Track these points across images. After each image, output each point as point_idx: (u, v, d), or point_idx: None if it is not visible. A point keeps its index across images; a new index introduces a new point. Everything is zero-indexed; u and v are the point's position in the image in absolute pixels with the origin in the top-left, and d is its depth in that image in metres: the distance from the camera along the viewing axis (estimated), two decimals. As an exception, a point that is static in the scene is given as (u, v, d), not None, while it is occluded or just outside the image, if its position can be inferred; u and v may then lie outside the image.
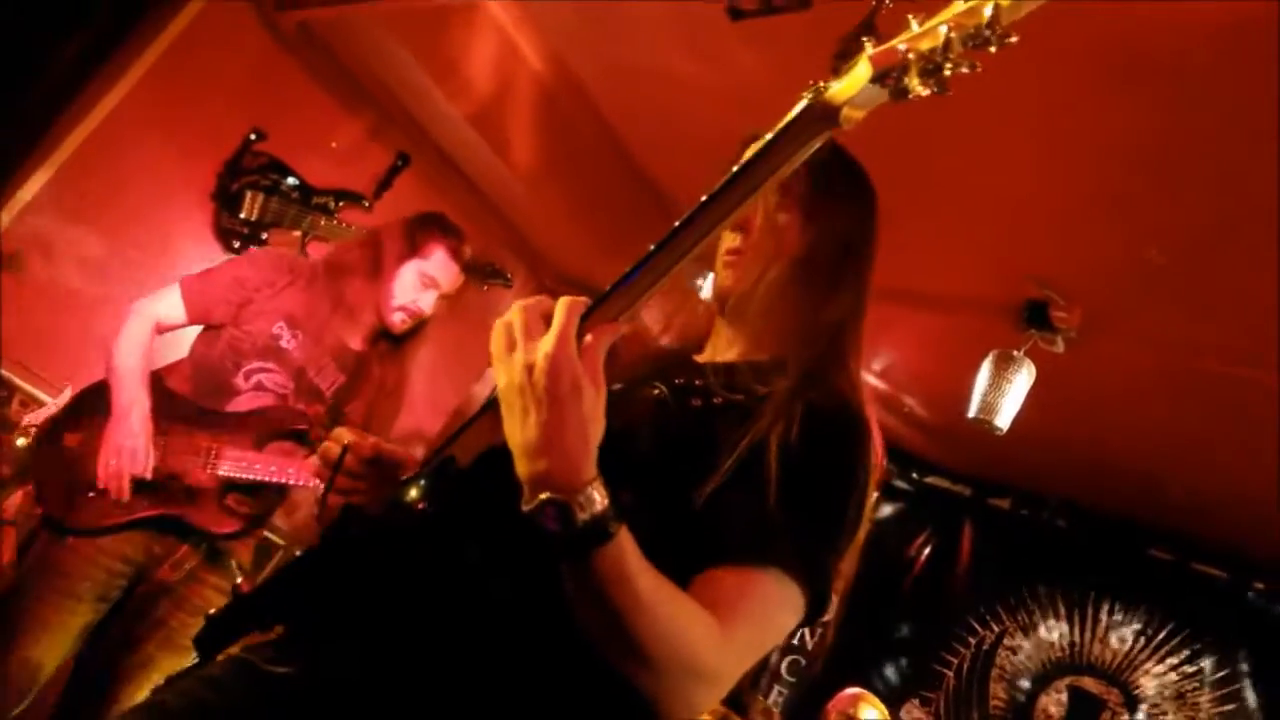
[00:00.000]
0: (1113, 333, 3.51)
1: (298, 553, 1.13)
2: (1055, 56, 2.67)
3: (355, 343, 2.54)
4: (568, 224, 4.42)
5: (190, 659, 2.39)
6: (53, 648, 2.19)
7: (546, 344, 0.89)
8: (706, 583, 0.98)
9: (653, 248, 0.97)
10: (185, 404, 2.35)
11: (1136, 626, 4.56)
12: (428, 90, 3.76)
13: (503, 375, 0.92)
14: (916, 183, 2.66)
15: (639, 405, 1.14)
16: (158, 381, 2.36)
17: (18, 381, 3.20)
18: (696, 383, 1.17)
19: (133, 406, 2.23)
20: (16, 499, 2.75)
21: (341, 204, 3.91)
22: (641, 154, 4.30)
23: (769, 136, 0.91)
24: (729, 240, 1.32)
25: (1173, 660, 4.41)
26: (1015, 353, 3.49)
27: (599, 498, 0.86)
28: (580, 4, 3.45)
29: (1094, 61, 2.60)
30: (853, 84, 0.85)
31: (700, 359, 1.33)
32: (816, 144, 0.89)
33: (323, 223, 3.81)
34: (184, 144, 3.55)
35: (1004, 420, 3.54)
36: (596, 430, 0.89)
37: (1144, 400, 3.76)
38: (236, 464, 2.30)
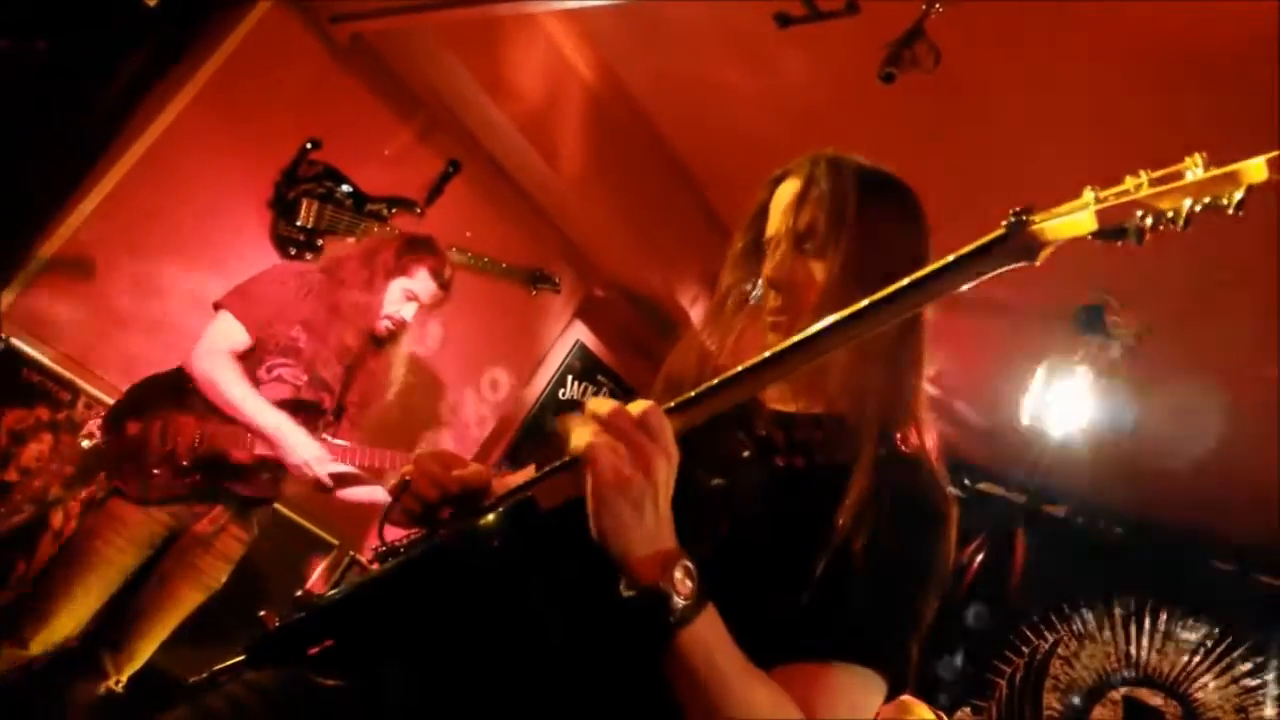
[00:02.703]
0: (1172, 338, 3.44)
1: (367, 568, 1.14)
2: (1113, 58, 2.64)
3: (353, 342, 2.96)
4: (615, 230, 4.44)
5: (207, 596, 2.69)
6: (108, 581, 2.63)
7: (658, 448, 0.90)
8: (795, 677, 0.96)
9: (765, 356, 0.94)
10: (191, 378, 2.75)
11: (1196, 638, 4.46)
12: (479, 99, 3.81)
13: (606, 466, 0.90)
14: (969, 183, 2.64)
15: (727, 453, 1.13)
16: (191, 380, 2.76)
17: (82, 384, 3.29)
18: (778, 438, 1.14)
19: (282, 425, 2.71)
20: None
21: (394, 210, 3.97)
22: (689, 161, 4.31)
23: (951, 259, 0.86)
24: (772, 300, 1.25)
25: (1234, 673, 4.31)
26: (1071, 359, 3.43)
27: (691, 581, 0.89)
28: (629, 14, 3.47)
29: (1151, 63, 2.56)
30: (1069, 230, 0.80)
31: (770, 404, 1.26)
32: (996, 273, 0.85)
33: (376, 229, 3.87)
34: (242, 153, 3.63)
35: (1058, 428, 3.49)
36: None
37: (1203, 408, 3.68)
38: (270, 444, 2.75)
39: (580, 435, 0.91)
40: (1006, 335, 3.98)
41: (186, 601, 2.75)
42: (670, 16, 3.39)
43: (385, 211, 3.94)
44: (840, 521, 1.01)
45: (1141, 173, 0.77)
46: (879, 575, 1.00)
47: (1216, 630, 4.40)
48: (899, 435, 1.13)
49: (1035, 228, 0.82)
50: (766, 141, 3.73)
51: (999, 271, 0.84)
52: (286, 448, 2.71)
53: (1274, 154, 0.73)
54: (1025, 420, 3.52)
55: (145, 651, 2.70)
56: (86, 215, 3.30)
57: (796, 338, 0.92)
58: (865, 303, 0.89)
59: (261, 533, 2.96)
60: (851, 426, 1.11)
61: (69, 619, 2.58)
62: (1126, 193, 0.78)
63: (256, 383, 2.78)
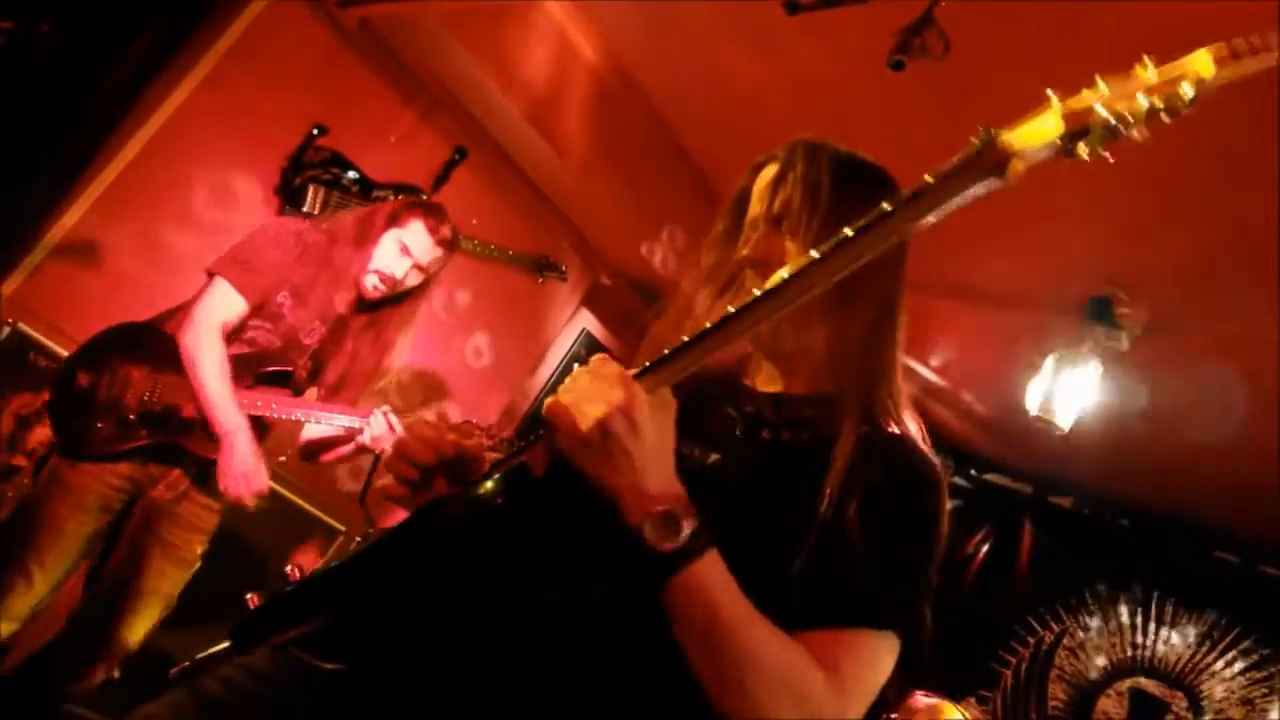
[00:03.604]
0: (1180, 330, 3.42)
1: (355, 543, 1.12)
2: (1126, 49, 2.62)
3: (340, 305, 2.77)
4: (622, 218, 4.43)
5: (189, 573, 2.57)
6: (64, 551, 2.50)
7: (616, 394, 0.93)
8: (810, 645, 0.97)
9: (742, 305, 0.95)
10: (179, 349, 2.59)
11: (1202, 629, 4.45)
12: (485, 85, 3.79)
13: (564, 423, 0.94)
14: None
15: (719, 429, 1.15)
16: (155, 328, 2.64)
17: (90, 371, 3.30)
18: (767, 414, 1.17)
19: (238, 432, 2.51)
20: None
21: (400, 197, 3.96)
22: (697, 149, 4.29)
23: (927, 181, 0.87)
24: (751, 281, 1.24)
25: (1240, 664, 4.30)
26: (1080, 350, 3.41)
27: (687, 523, 0.92)
28: (636, 0, 3.45)
29: (1166, 53, 2.53)
30: (1035, 137, 0.81)
31: (752, 385, 1.28)
32: (973, 195, 0.85)
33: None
34: (249, 139, 3.63)
35: (1066, 419, 3.47)
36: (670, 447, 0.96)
37: (1215, 401, 3.66)
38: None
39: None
40: (1014, 326, 3.96)
41: (166, 578, 2.60)
42: (678, 3, 3.37)
43: (391, 198, 3.93)
44: (828, 490, 1.02)
45: (1097, 76, 0.80)
46: (878, 539, 1.01)
47: (1223, 622, 4.39)
48: (882, 415, 1.15)
49: (1004, 138, 0.83)
50: (774, 129, 3.69)
51: (972, 192, 0.85)
52: (231, 453, 2.50)
53: (1217, 45, 0.77)
54: (1033, 411, 3.50)
55: (136, 634, 2.57)
56: (93, 200, 3.31)
57: (772, 281, 0.94)
58: (844, 233, 0.90)
59: (254, 511, 2.72)
60: (836, 402, 1.14)
61: (29, 597, 2.47)
62: (1084, 100, 0.80)
63: (228, 342, 2.61)
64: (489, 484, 1.01)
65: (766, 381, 1.27)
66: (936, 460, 1.13)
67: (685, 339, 0.96)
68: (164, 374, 2.57)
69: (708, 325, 0.95)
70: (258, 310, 2.66)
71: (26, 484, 3.12)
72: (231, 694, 1.06)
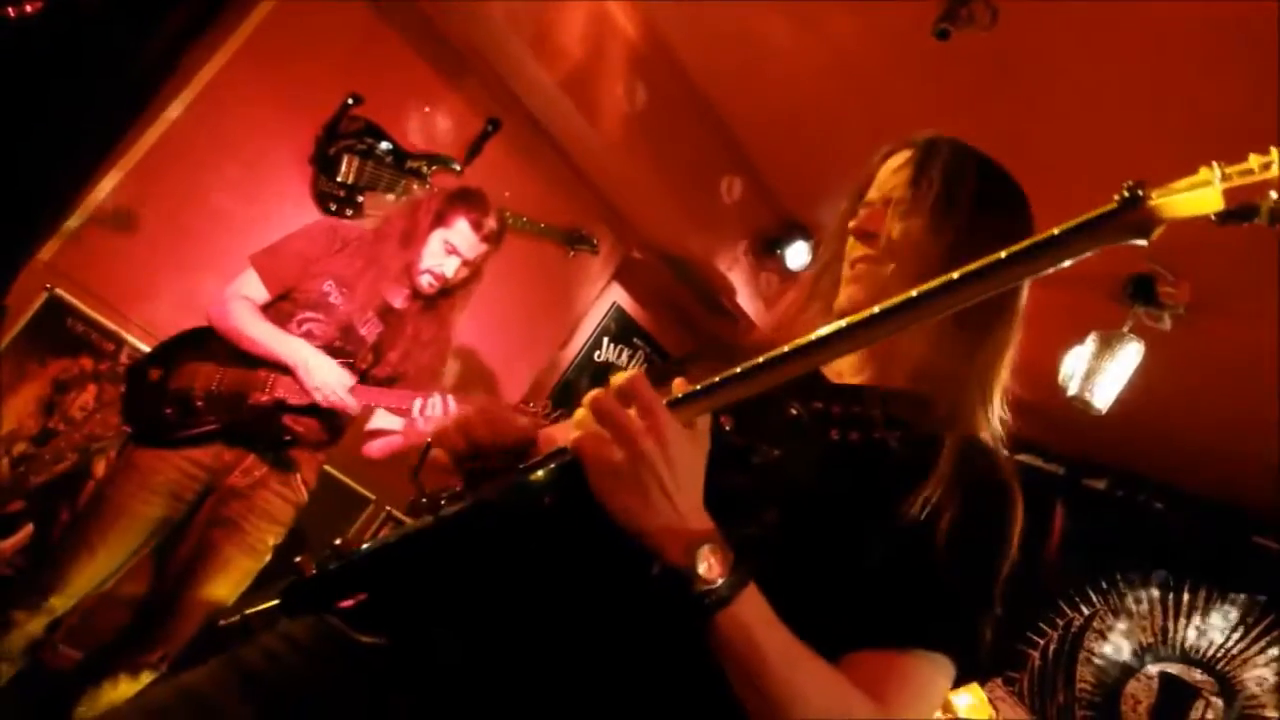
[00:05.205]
0: (1223, 310, 3.36)
1: (405, 522, 1.08)
2: (1167, 26, 2.55)
3: (395, 300, 2.88)
4: (655, 192, 4.40)
5: (260, 563, 2.56)
6: (126, 529, 2.55)
7: (649, 421, 0.89)
8: (868, 665, 0.94)
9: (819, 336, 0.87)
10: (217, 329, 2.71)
11: (1236, 615, 4.40)
12: (520, 55, 3.76)
13: (593, 458, 0.90)
14: (1018, 148, 2.57)
15: (782, 425, 1.09)
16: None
17: (125, 335, 3.33)
18: (834, 410, 1.09)
19: (302, 350, 2.65)
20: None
21: (434, 168, 3.95)
22: (733, 122, 4.24)
23: (1056, 233, 0.81)
24: (855, 249, 1.21)
25: (1274, 652, 4.24)
26: (1122, 331, 3.35)
27: (724, 563, 0.88)
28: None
29: (1205, 31, 2.47)
30: (1189, 208, 0.76)
31: (830, 375, 1.22)
32: (1100, 249, 0.80)
33: (415, 187, 3.86)
34: (284, 108, 3.62)
35: (1103, 400, 3.42)
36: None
37: (1255, 381, 3.59)
38: (289, 389, 2.67)
39: (575, 422, 0.91)
40: (1053, 304, 3.90)
41: (234, 565, 2.60)
42: (716, -28, 3.32)
43: (425, 169, 3.92)
44: (919, 506, 0.98)
45: (1273, 150, 0.72)
46: (958, 561, 0.98)
47: (1258, 608, 4.33)
48: (979, 425, 1.11)
49: (1153, 204, 0.77)
50: (813, 102, 3.66)
51: (1105, 247, 0.80)
52: (308, 370, 2.62)
53: None
54: (1071, 391, 3.45)
55: (196, 619, 2.55)
56: (130, 168, 3.32)
57: (886, 304, 0.85)
58: (958, 274, 0.83)
59: (310, 495, 2.82)
60: (930, 407, 1.07)
61: (90, 571, 2.51)
62: (1252, 172, 0.73)
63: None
64: (540, 473, 0.97)
65: (852, 371, 1.21)
66: (1016, 475, 1.09)
67: (736, 370, 0.89)
68: (230, 368, 2.67)
69: (764, 357, 0.88)
70: (306, 303, 2.75)
71: (63, 448, 3.18)
72: (271, 666, 1.05)
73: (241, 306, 2.68)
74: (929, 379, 1.11)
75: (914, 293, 0.84)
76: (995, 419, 1.14)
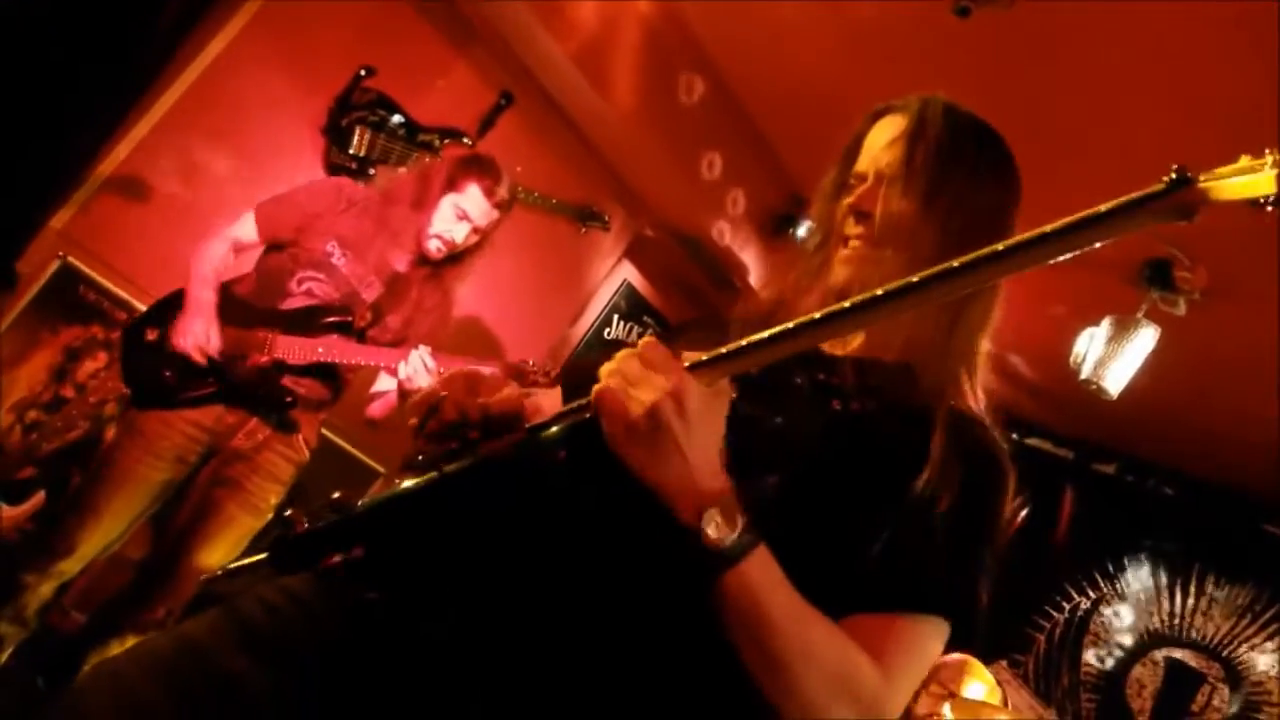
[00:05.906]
0: (1238, 296, 3.33)
1: (403, 481, 1.06)
2: (1187, 13, 2.52)
3: (399, 264, 2.83)
4: (668, 169, 4.37)
5: (262, 521, 2.57)
6: (133, 494, 2.57)
7: (667, 380, 0.90)
8: (866, 627, 0.95)
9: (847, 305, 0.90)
10: (245, 305, 2.71)
11: (1243, 602, 4.39)
12: (534, 29, 3.73)
13: (611, 412, 0.91)
14: (1039, 127, 2.55)
15: (787, 397, 1.10)
16: (225, 288, 2.72)
17: (137, 303, 3.34)
18: (835, 381, 1.12)
19: (199, 298, 2.61)
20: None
21: (446, 141, 3.93)
22: (747, 98, 4.21)
23: (1102, 210, 0.82)
24: (849, 228, 1.21)
25: (1280, 639, 4.24)
26: (1137, 316, 3.33)
27: (733, 523, 0.89)
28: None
29: (1225, 18, 2.43)
30: (1238, 192, 0.77)
31: (827, 348, 1.23)
32: (1140, 228, 0.81)
33: (427, 160, 3.84)
34: (296, 79, 3.61)
35: (1116, 385, 3.40)
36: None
37: (1268, 368, 3.57)
38: (288, 348, 2.66)
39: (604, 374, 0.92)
40: (1067, 287, 3.88)
41: (236, 523, 2.62)
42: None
43: (437, 142, 3.91)
44: (924, 476, 0.99)
45: None
46: (955, 529, 0.99)
47: (1266, 595, 4.32)
48: (960, 394, 1.12)
49: (1202, 186, 0.78)
50: (829, 79, 3.62)
51: (1146, 227, 0.81)
52: (183, 320, 2.59)
53: None
54: (1084, 374, 3.43)
55: (198, 575, 2.56)
56: (141, 137, 3.32)
57: (899, 284, 0.88)
58: (1002, 245, 0.85)
59: (311, 455, 2.85)
60: (919, 378, 1.10)
61: (98, 535, 2.54)
62: None
63: (286, 294, 2.70)
64: (553, 429, 0.98)
65: (848, 341, 1.23)
66: (1005, 452, 1.10)
67: (755, 337, 0.91)
68: (227, 328, 2.64)
69: (784, 326, 0.90)
70: (309, 261, 2.72)
71: (74, 415, 3.19)
72: (269, 617, 1.05)
73: (213, 247, 2.69)
74: (918, 349, 1.13)
75: (956, 263, 0.86)
76: (979, 388, 1.15)
